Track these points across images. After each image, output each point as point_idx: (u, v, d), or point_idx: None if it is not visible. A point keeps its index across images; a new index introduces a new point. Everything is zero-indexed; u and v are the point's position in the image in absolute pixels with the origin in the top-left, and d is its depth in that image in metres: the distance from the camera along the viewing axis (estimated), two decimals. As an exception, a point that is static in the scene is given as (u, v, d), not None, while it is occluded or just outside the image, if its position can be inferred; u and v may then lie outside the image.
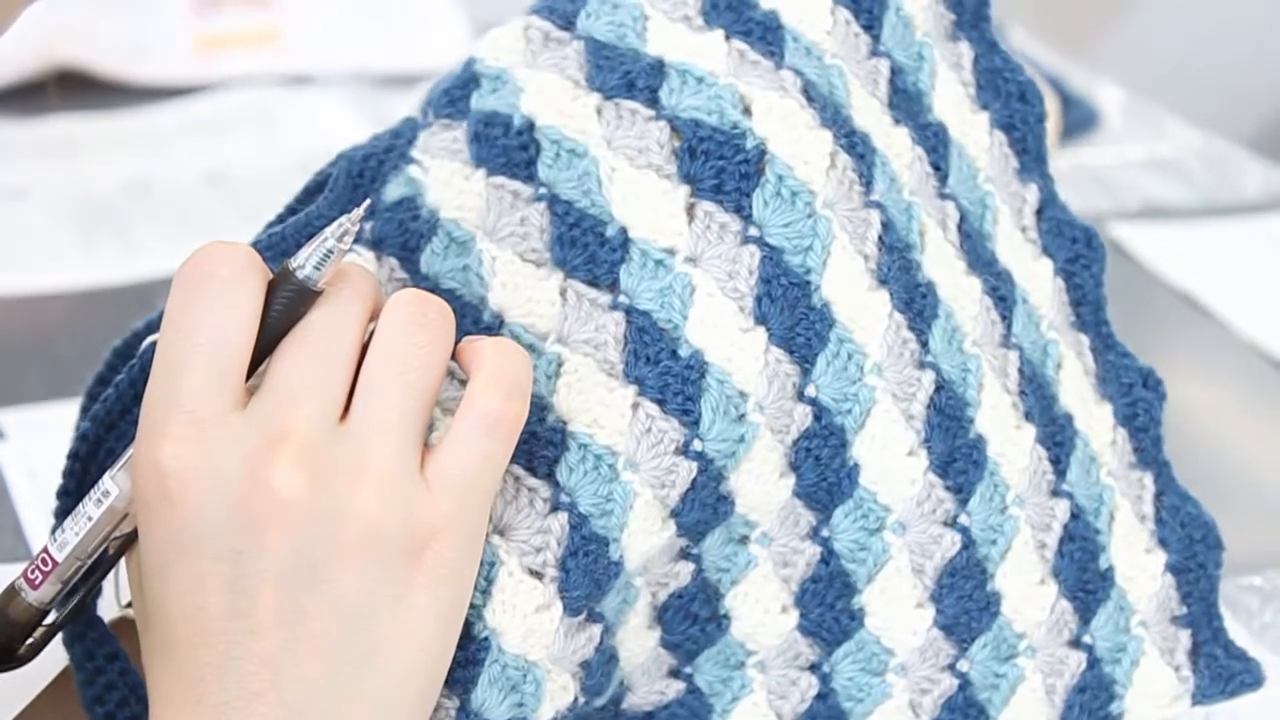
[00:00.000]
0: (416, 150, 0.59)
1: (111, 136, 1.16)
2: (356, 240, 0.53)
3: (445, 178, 0.59)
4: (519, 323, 0.57)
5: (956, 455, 0.58)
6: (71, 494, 0.56)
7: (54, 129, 1.16)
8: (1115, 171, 1.19)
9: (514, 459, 0.53)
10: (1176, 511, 0.63)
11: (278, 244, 0.58)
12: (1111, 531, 0.61)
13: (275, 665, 0.50)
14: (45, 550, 0.54)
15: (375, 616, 0.50)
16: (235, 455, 0.50)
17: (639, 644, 0.58)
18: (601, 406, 0.55)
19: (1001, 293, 0.61)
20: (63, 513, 0.56)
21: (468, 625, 0.53)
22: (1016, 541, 0.59)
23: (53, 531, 0.55)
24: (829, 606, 0.58)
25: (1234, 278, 1.08)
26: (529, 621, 0.53)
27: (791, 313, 0.55)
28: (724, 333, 0.55)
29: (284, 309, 0.52)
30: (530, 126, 0.58)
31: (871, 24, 0.61)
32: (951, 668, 0.59)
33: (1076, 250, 0.63)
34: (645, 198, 0.56)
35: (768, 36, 0.59)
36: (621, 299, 0.56)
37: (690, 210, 0.56)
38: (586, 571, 0.54)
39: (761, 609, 0.58)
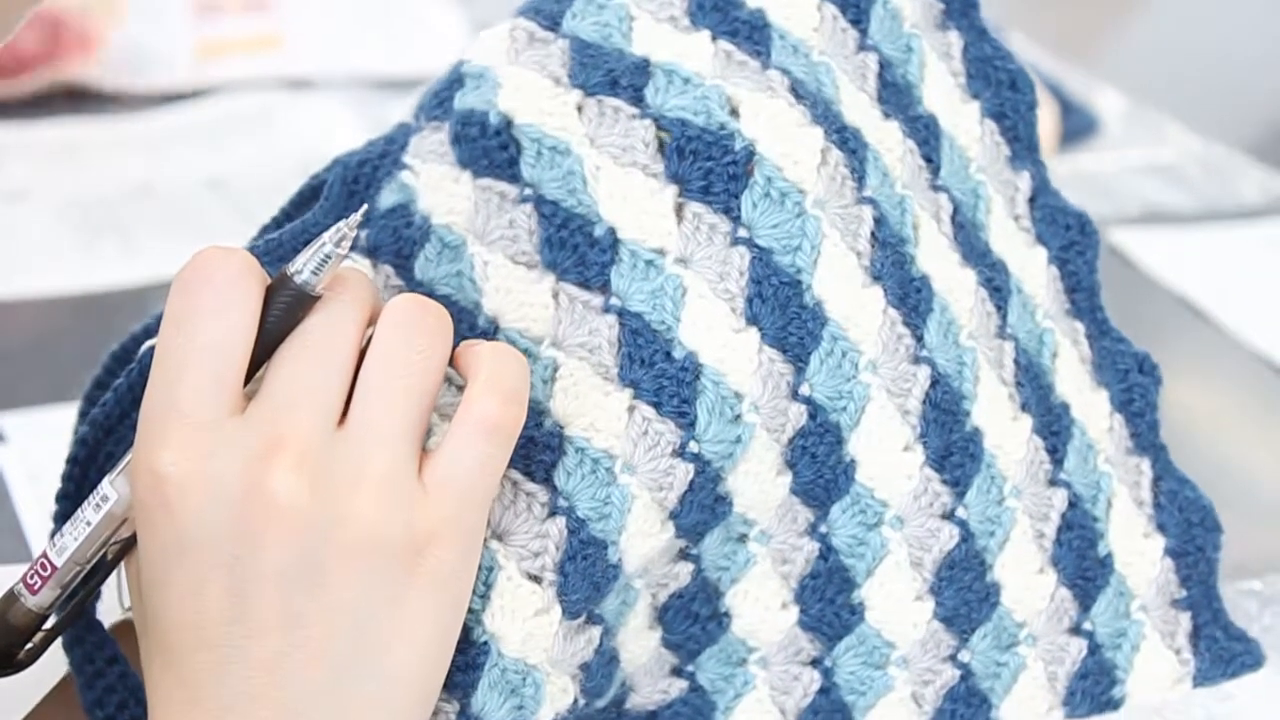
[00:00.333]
0: (409, 155, 0.59)
1: (112, 140, 1.16)
2: (351, 248, 0.53)
3: (435, 182, 0.59)
4: (514, 327, 0.57)
5: (953, 449, 0.58)
6: (70, 498, 0.57)
7: (55, 133, 1.16)
8: (1115, 177, 1.19)
9: (512, 464, 0.54)
10: (1174, 496, 0.63)
11: (274, 250, 0.58)
12: (1109, 518, 0.61)
13: (274, 669, 0.50)
14: (44, 555, 0.54)
15: (374, 620, 0.51)
16: (234, 461, 0.50)
17: (640, 644, 0.58)
18: (598, 410, 0.55)
19: (996, 283, 0.61)
20: (61, 517, 0.56)
21: (467, 630, 0.53)
22: (1015, 532, 0.59)
23: (51, 536, 0.55)
24: (829, 602, 0.59)
25: (1233, 283, 1.07)
26: (528, 625, 0.53)
27: (783, 312, 0.55)
28: (717, 334, 0.55)
29: (282, 314, 0.52)
30: (508, 125, 0.58)
31: (859, 18, 0.61)
32: (953, 659, 0.60)
33: (1070, 237, 0.63)
34: (633, 197, 0.56)
35: (754, 36, 0.59)
36: (613, 301, 0.56)
37: (679, 210, 0.56)
38: (585, 575, 0.54)
39: (762, 606, 0.58)
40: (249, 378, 0.52)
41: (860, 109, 0.59)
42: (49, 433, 0.78)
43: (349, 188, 0.59)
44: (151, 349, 0.54)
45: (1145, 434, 0.63)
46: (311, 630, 0.50)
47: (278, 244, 0.58)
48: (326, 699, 0.50)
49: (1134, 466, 0.63)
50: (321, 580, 0.50)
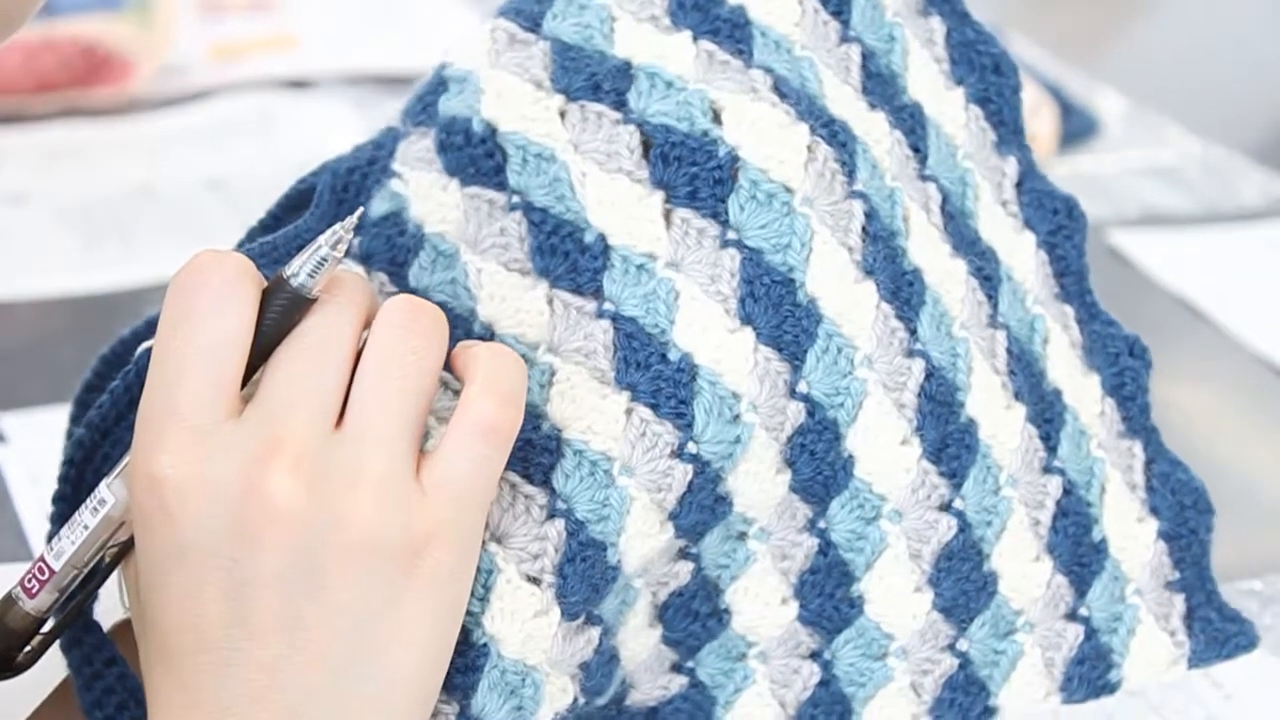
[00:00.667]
0: (397, 162, 0.59)
1: (113, 142, 1.16)
2: (345, 254, 0.53)
3: (425, 190, 0.59)
4: (510, 334, 0.57)
5: (949, 441, 0.58)
6: (67, 500, 0.57)
7: (55, 134, 1.16)
8: (1115, 179, 1.19)
9: (510, 466, 0.54)
10: (1167, 478, 0.63)
11: (269, 254, 0.58)
12: (1103, 503, 0.61)
13: (273, 671, 0.50)
14: (42, 558, 0.54)
15: (372, 622, 0.51)
16: (231, 464, 0.50)
17: (640, 642, 0.58)
18: (595, 413, 0.55)
19: (986, 272, 0.61)
20: (58, 519, 0.56)
21: (466, 632, 0.53)
22: (1011, 521, 0.59)
23: (49, 539, 0.55)
24: (828, 596, 0.59)
25: (1233, 285, 1.08)
26: (527, 627, 0.53)
27: (777, 311, 0.55)
28: (711, 335, 0.55)
29: (278, 317, 0.52)
30: (492, 132, 0.58)
31: (840, 9, 0.61)
32: (951, 648, 0.60)
33: (1058, 221, 0.63)
34: (620, 203, 0.56)
35: (736, 34, 0.59)
36: (607, 306, 0.56)
37: (667, 216, 0.56)
38: (584, 577, 0.54)
39: (762, 602, 0.58)
40: (246, 380, 0.52)
41: (845, 102, 0.59)
42: (49, 433, 0.78)
43: (339, 195, 0.59)
44: (148, 351, 0.54)
45: (1137, 417, 0.63)
46: (310, 632, 0.50)
47: (272, 248, 0.58)
48: (326, 701, 0.50)
49: (1126, 450, 0.63)
50: (320, 582, 0.50)
